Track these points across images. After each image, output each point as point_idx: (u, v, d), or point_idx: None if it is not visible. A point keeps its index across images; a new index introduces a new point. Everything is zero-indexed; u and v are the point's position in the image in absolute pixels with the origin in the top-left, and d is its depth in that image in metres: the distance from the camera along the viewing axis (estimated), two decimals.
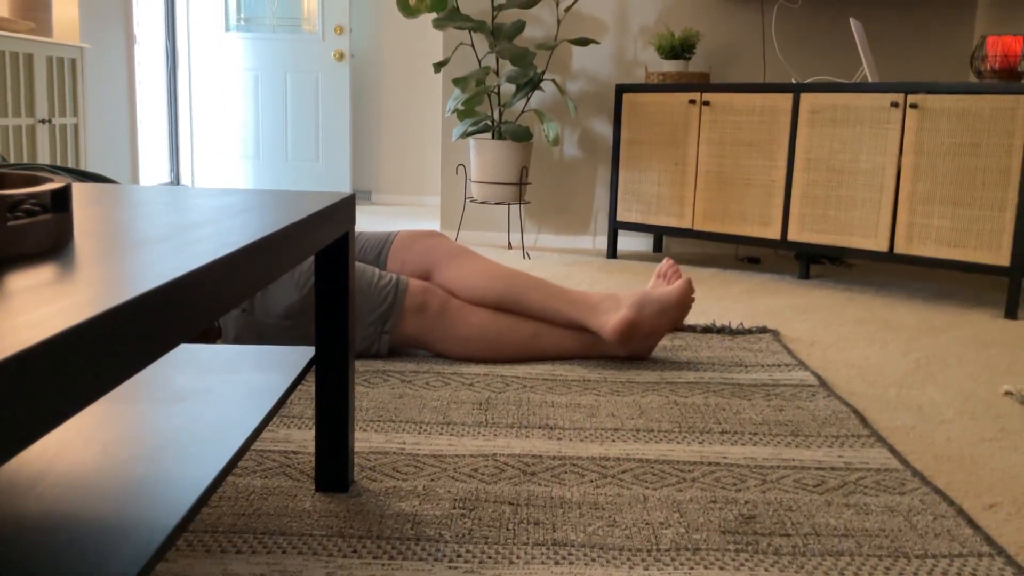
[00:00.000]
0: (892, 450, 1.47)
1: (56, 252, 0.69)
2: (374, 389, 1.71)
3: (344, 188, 5.21)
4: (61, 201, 0.73)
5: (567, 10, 3.50)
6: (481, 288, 1.94)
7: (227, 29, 5.14)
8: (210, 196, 1.11)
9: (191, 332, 0.63)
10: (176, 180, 5.19)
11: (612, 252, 3.59)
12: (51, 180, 0.79)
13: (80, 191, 1.11)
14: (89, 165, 3.76)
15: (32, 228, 0.68)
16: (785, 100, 3.05)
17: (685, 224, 3.36)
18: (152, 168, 4.90)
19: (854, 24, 2.97)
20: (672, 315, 1.90)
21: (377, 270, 1.91)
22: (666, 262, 2.03)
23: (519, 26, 3.51)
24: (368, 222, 4.54)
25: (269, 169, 5.21)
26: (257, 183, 5.20)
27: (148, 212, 0.94)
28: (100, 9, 4.02)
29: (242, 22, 5.17)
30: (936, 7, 3.56)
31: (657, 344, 1.98)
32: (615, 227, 3.56)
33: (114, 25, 4.13)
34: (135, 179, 4.28)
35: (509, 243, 3.80)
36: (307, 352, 1.28)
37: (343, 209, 1.16)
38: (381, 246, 2.05)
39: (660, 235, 3.70)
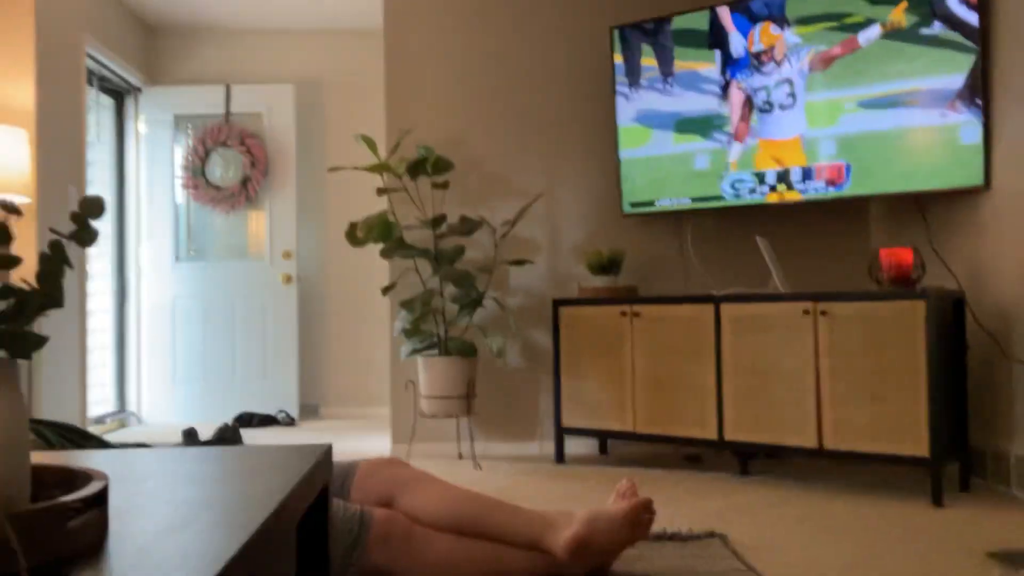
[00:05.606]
0: None
1: (100, 546, 0.80)
2: None
3: (292, 403, 5.29)
4: (101, 499, 0.85)
5: (503, 236, 3.81)
6: (441, 514, 2.03)
7: (177, 259, 5.36)
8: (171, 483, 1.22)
9: None
10: (122, 408, 5.20)
11: (560, 456, 3.70)
12: (87, 474, 0.90)
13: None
14: (40, 401, 3.79)
15: (85, 528, 0.79)
16: (707, 311, 3.32)
17: (627, 427, 3.52)
18: (98, 396, 4.91)
19: (760, 242, 3.31)
20: (625, 531, 2.00)
21: (342, 502, 2.00)
22: (625, 482, 2.13)
23: (459, 250, 3.79)
24: (318, 437, 4.59)
25: (217, 387, 5.28)
26: (204, 402, 5.25)
27: (142, 503, 1.05)
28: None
29: (192, 253, 5.40)
30: (832, 223, 3.97)
31: (615, 559, 2.07)
32: (561, 433, 3.70)
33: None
34: (83, 412, 4.30)
35: (460, 453, 3.89)
36: None
37: (319, 471, 1.28)
38: (344, 477, 2.14)
39: (605, 438, 3.84)
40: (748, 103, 3.61)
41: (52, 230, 0.85)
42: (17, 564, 0.70)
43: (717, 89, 3.67)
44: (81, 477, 0.91)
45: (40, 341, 0.82)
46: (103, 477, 0.89)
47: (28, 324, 0.82)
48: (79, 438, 2.38)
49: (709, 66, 3.68)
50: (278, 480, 1.10)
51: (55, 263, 0.83)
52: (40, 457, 1.25)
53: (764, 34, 3.55)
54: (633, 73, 3.86)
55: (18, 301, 0.81)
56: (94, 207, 0.84)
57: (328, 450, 1.34)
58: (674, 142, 3.78)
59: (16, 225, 3.72)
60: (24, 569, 0.70)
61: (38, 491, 0.87)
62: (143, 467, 1.23)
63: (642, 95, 3.84)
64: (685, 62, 3.73)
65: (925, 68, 3.18)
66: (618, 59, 3.89)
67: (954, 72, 3.13)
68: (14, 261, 0.81)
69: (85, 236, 0.84)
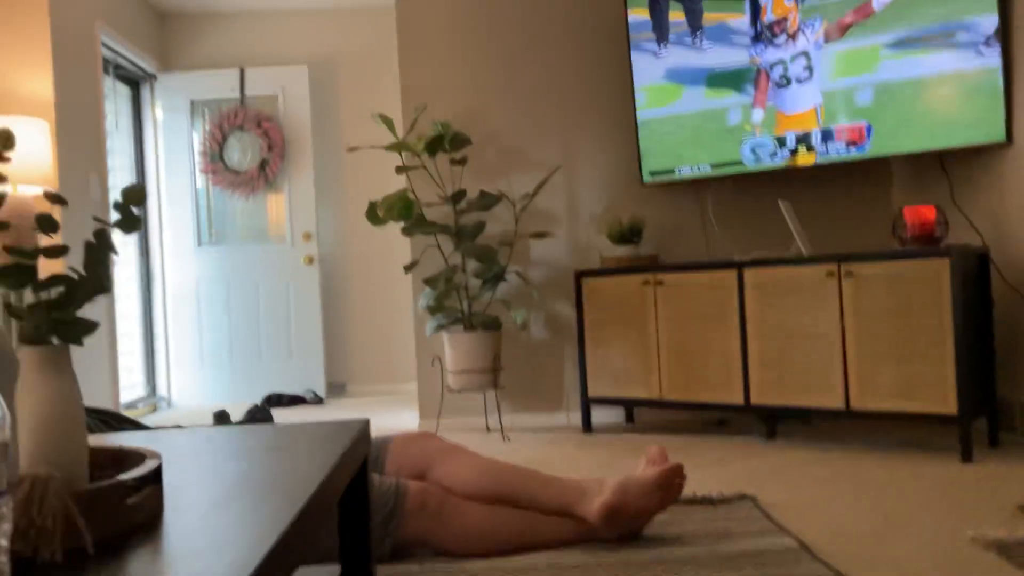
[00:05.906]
0: None
1: (157, 521, 0.83)
2: None
3: (319, 382, 5.35)
4: (157, 476, 0.88)
5: (523, 209, 3.81)
6: (474, 484, 2.06)
7: (199, 244, 5.40)
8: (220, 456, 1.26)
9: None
10: (152, 393, 5.28)
11: (587, 426, 3.73)
12: (140, 454, 0.93)
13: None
14: None
15: (142, 504, 0.82)
16: (730, 276, 3.32)
17: (653, 395, 3.54)
18: (128, 381, 4.99)
19: (783, 205, 3.30)
20: (656, 497, 2.03)
21: (377, 475, 2.04)
22: (655, 448, 2.16)
23: (480, 226, 3.80)
24: (347, 415, 4.65)
25: (245, 369, 5.35)
26: (232, 384, 5.32)
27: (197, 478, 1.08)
28: (82, 237, 4.25)
29: (214, 237, 5.45)
30: (853, 185, 3.94)
31: (647, 523, 2.10)
32: (587, 402, 3.72)
33: None
34: (116, 398, 4.37)
35: (487, 426, 3.93)
36: (333, 571, 1.39)
37: (359, 446, 1.30)
38: (379, 451, 2.17)
39: (631, 406, 3.87)
40: (765, 75, 3.58)
41: (96, 219, 0.88)
42: (82, 539, 0.73)
43: (747, 41, 3.64)
44: (134, 457, 0.94)
45: (91, 327, 0.84)
46: (156, 456, 0.92)
47: (78, 310, 0.84)
48: (117, 422, 2.42)
49: (739, 17, 3.64)
50: (321, 455, 1.13)
51: (100, 251, 0.86)
52: (91, 440, 1.28)
53: (778, 4, 3.51)
54: (661, 29, 3.82)
55: (68, 288, 0.83)
56: (136, 195, 0.86)
57: (366, 425, 1.37)
58: (705, 97, 3.75)
59: None
60: (89, 544, 0.73)
61: (94, 471, 0.90)
62: (186, 446, 1.26)
63: (672, 51, 3.81)
64: (714, 14, 3.70)
65: (954, 12, 3.13)
66: (644, 15, 3.83)
67: (986, 12, 3.07)
68: (62, 251, 0.83)
69: (129, 223, 0.86)
